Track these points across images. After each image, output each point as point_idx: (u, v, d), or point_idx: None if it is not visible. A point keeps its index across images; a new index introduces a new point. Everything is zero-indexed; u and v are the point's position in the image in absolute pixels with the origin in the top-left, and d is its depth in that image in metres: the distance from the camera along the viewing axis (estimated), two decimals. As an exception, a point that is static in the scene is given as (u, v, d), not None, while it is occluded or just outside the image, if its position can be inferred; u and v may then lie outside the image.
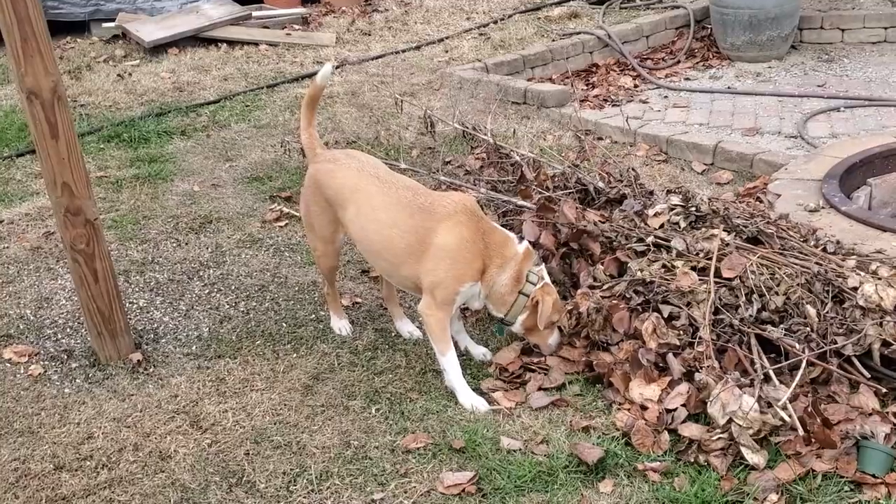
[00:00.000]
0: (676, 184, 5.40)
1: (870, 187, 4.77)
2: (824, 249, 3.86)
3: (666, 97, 7.47)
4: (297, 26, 9.34)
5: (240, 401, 3.61)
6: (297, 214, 5.31)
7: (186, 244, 5.01)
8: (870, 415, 3.21)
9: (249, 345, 4.02)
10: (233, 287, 4.54)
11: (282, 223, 5.27)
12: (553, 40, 8.34)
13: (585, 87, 7.78)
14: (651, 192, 4.53)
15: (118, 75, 7.98)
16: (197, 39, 8.70)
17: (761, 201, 4.92)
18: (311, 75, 7.89)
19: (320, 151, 3.90)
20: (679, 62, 8.33)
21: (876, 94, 7.03)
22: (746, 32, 7.97)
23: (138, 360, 3.88)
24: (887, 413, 3.19)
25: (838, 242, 3.93)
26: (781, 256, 3.70)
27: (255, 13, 9.20)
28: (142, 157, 6.26)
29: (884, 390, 3.29)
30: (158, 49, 8.52)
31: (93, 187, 5.77)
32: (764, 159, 5.33)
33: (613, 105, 7.29)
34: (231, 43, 8.70)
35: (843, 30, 8.30)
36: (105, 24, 9.15)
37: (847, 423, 3.17)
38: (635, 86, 7.84)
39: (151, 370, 3.87)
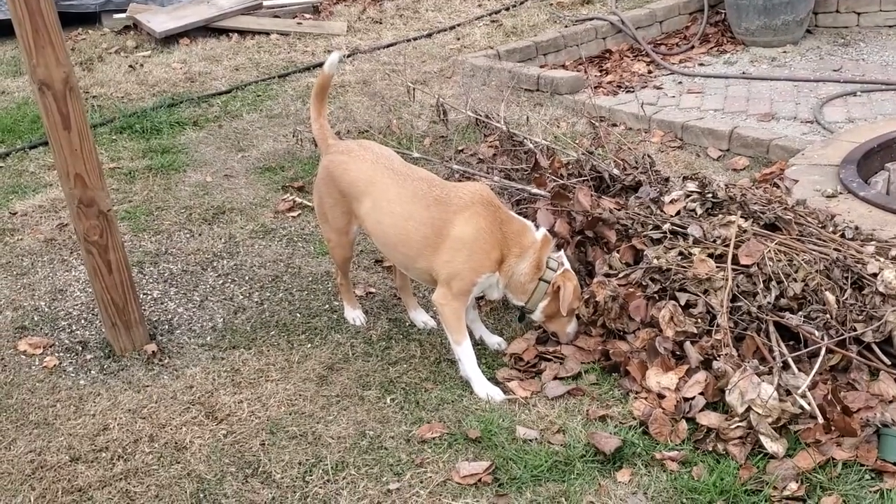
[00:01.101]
0: (692, 170, 5.36)
1: (888, 172, 4.71)
2: (843, 235, 3.81)
3: (680, 83, 7.41)
4: (308, 15, 9.31)
5: (255, 391, 3.60)
6: (310, 204, 5.30)
7: (200, 235, 5.00)
8: (890, 402, 3.17)
9: (264, 335, 4.01)
10: (246, 278, 4.53)
11: (294, 213, 5.25)
12: (566, 26, 8.29)
13: (599, 74, 7.72)
14: (667, 179, 4.49)
15: (129, 66, 7.98)
16: (208, 30, 8.70)
17: (778, 187, 4.87)
18: (321, 64, 7.85)
19: (333, 142, 3.87)
20: (693, 47, 8.27)
21: (893, 77, 6.95)
22: (761, 17, 7.89)
23: (153, 352, 3.88)
24: (908, 400, 3.15)
25: (857, 228, 3.89)
26: (799, 243, 3.65)
27: (265, 2, 9.19)
28: (154, 148, 6.26)
29: (905, 377, 3.25)
30: (170, 39, 8.52)
31: (106, 178, 5.82)
32: (780, 145, 5.28)
33: (627, 91, 7.24)
34: (242, 33, 8.69)
35: (858, 13, 8.21)
36: (116, 15, 9.16)
37: (867, 410, 3.13)
38: (649, 72, 7.78)
39: (166, 361, 3.86)
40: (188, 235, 5.01)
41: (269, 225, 5.11)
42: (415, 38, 8.47)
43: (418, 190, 3.56)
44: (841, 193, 4.31)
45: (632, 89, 7.29)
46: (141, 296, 4.36)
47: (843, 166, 4.53)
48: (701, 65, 7.88)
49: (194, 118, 6.81)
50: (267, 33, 8.68)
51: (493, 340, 3.85)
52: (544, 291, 3.59)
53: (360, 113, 6.69)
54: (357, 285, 4.38)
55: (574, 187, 4.18)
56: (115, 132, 6.58)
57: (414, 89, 5.52)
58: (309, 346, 3.92)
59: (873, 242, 3.71)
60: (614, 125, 6.19)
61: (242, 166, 5.97)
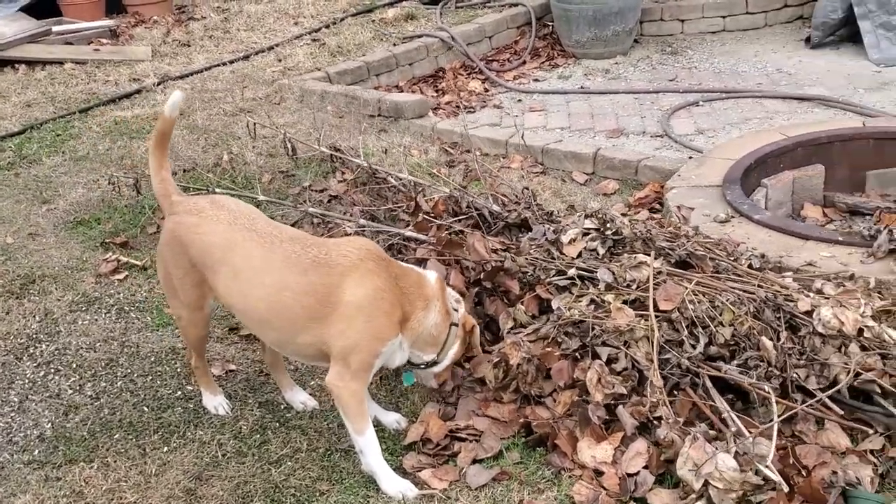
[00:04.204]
0: (560, 198, 5.03)
1: (765, 188, 4.54)
2: (750, 266, 3.54)
3: (519, 100, 7.12)
4: (105, 40, 8.35)
5: (107, 521, 2.88)
6: (138, 263, 4.56)
7: (7, 313, 4.13)
8: (843, 454, 2.89)
9: (107, 441, 3.26)
10: (73, 365, 3.75)
11: (120, 276, 4.48)
12: (394, 44, 7.82)
13: (435, 94, 7.31)
14: (550, 214, 4.11)
15: None
16: (-12, 61, 7.60)
17: (656, 212, 4.61)
18: (129, 95, 7.04)
19: (178, 199, 3.20)
20: (525, 62, 8.02)
21: (729, 85, 6.95)
22: (591, 28, 7.74)
23: (-37, 480, 3.07)
24: (864, 451, 2.88)
25: (763, 256, 3.64)
26: (717, 280, 3.34)
27: (55, 28, 8.16)
28: (-67, 208, 5.26)
29: (852, 425, 2.97)
30: (-59, 74, 7.37)
31: None
32: (650, 165, 5.01)
33: (468, 112, 6.87)
34: (30, 63, 7.65)
35: (682, 20, 8.24)
36: None
37: (822, 467, 2.82)
38: (485, 90, 7.45)
39: (-18, 490, 3.06)
40: (-8, 315, 4.14)
41: (91, 293, 4.31)
42: (231, 62, 7.75)
43: (290, 253, 2.96)
44: (733, 217, 4.07)
45: (472, 109, 6.93)
46: (-62, 402, 3.51)
47: (727, 187, 4.30)
48: (536, 80, 7.64)
49: (-19, 167, 5.82)
50: (60, 62, 7.67)
51: (391, 418, 3.31)
52: (455, 336, 3.13)
53: (182, 148, 5.93)
54: (212, 363, 3.70)
55: (461, 232, 3.71)
56: None
57: (255, 125, 4.86)
58: (165, 449, 3.22)
59: (789, 274, 3.45)
60: (468, 151, 5.76)
61: (49, 221, 5.10)
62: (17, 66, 7.62)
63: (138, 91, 7.10)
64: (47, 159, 5.91)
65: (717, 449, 2.73)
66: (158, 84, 7.20)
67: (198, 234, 3.06)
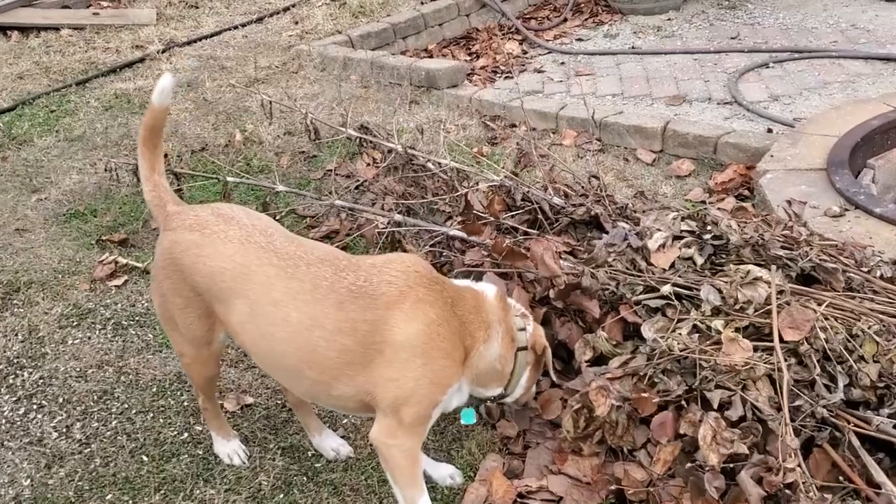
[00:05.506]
0: (625, 181, 4.34)
1: (872, 171, 3.84)
2: (881, 277, 2.86)
3: (562, 63, 6.41)
4: (105, 3, 7.66)
5: None
6: (139, 265, 3.93)
7: (-16, 331, 3.53)
8: None
9: (97, 505, 2.66)
10: (60, 399, 3.13)
11: (118, 281, 3.85)
12: (422, 3, 7.09)
13: (468, 58, 6.60)
14: (624, 208, 3.43)
15: None
16: (-22, 27, 6.94)
17: (744, 199, 3.92)
18: (131, 64, 6.37)
19: (175, 210, 2.53)
20: (566, 20, 7.29)
21: (800, 43, 6.20)
22: (640, -20, 7.00)
23: (-83, 563, 2.47)
24: None
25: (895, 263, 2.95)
26: (851, 300, 2.66)
27: (50, -10, 7.47)
28: None
29: None
30: (-73, 43, 6.71)
31: None
32: (731, 143, 4.29)
33: (506, 77, 6.17)
34: (24, 30, 6.99)
35: (739, -28, 7.45)
36: None
37: None
38: (524, 52, 6.74)
39: (-59, 575, 2.46)
40: (-33, 333, 3.53)
41: (83, 304, 3.69)
42: (243, 25, 7.06)
43: (320, 280, 2.30)
44: (848, 210, 3.37)
45: (510, 75, 6.22)
46: None
47: (835, 171, 3.60)
48: (579, 39, 6.91)
49: (-34, 149, 5.19)
50: (56, 28, 7.00)
51: (443, 472, 2.68)
52: (525, 362, 2.50)
53: (189, 125, 5.29)
54: (225, 395, 3.08)
55: (515, 229, 3.05)
56: None
57: (271, 103, 4.18)
58: (169, 515, 2.62)
59: (936, 287, 2.77)
60: (513, 126, 5.06)
61: (39, 214, 4.47)
62: (9, 32, 6.95)
63: (141, 59, 6.43)
64: (39, 140, 5.26)
65: (879, 537, 2.09)
66: (164, 51, 6.53)
67: (201, 256, 2.40)
